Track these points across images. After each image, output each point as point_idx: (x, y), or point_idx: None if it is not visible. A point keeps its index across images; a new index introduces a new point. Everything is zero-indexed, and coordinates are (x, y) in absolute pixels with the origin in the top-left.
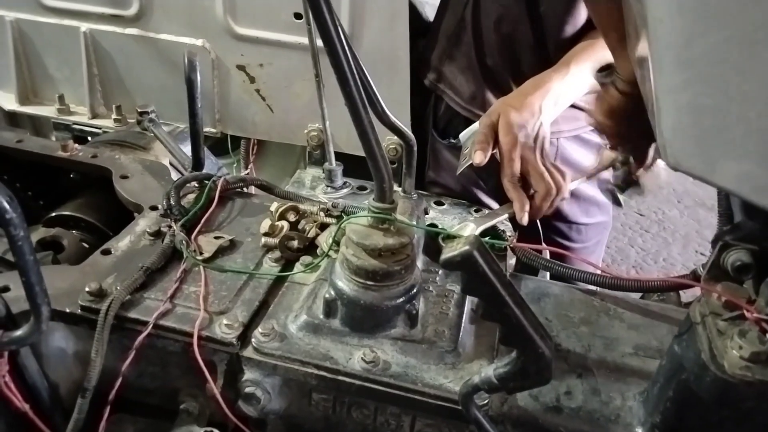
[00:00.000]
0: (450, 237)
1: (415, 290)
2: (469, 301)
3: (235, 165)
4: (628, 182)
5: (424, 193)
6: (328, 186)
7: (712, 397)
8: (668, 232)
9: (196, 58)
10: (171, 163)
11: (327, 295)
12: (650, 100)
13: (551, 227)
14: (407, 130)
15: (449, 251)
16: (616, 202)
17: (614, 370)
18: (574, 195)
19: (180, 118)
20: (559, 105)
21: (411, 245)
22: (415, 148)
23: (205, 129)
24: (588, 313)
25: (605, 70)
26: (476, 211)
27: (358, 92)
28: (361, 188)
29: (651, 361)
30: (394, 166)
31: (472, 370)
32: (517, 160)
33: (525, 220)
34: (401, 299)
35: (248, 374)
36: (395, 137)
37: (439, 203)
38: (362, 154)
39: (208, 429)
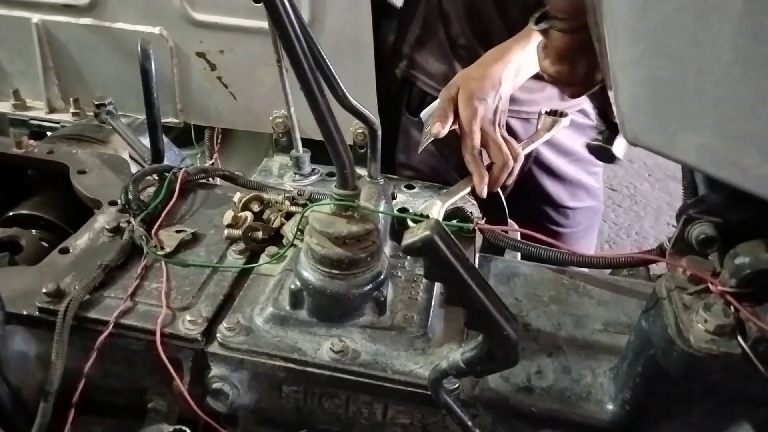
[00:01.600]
0: (414, 221)
1: (382, 277)
2: (438, 286)
3: (199, 156)
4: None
5: (394, 177)
6: (296, 173)
7: (680, 372)
8: (640, 206)
9: (149, 46)
10: (131, 156)
11: (293, 286)
12: (607, 75)
13: (539, 212)
14: (369, 114)
15: (409, 237)
16: (609, 159)
17: (584, 348)
18: (561, 178)
19: (141, 109)
20: (520, 75)
21: (376, 231)
22: (379, 132)
23: (167, 119)
24: (557, 291)
25: (540, 20)
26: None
27: (313, 75)
28: (331, 174)
29: (620, 336)
30: (363, 151)
31: (442, 354)
32: (478, 132)
33: (484, 192)
34: (368, 287)
35: (215, 370)
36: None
37: (410, 186)
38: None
39: (178, 427)
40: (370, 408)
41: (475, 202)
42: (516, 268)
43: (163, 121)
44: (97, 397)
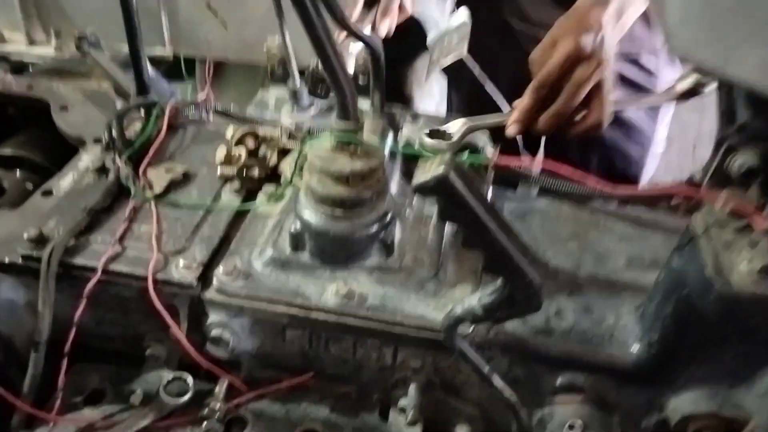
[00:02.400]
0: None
1: (389, 217)
2: (450, 225)
3: (191, 90)
4: None
5: (398, 107)
6: (293, 106)
7: (716, 315)
8: None
9: None
10: (116, 90)
11: (293, 228)
12: None
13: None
14: (373, 37)
15: (421, 174)
16: None
17: (606, 286)
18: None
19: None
20: (624, 17)
21: (381, 168)
22: (383, 58)
23: (155, 52)
24: (577, 227)
25: None
26: None
27: None
28: (332, 107)
29: (645, 273)
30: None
31: (454, 296)
32: (557, 65)
33: (513, 130)
34: (374, 227)
35: (213, 317)
36: None
37: (417, 116)
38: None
39: (178, 373)
40: (378, 351)
41: (486, 131)
42: (532, 203)
43: (150, 53)
44: (93, 344)
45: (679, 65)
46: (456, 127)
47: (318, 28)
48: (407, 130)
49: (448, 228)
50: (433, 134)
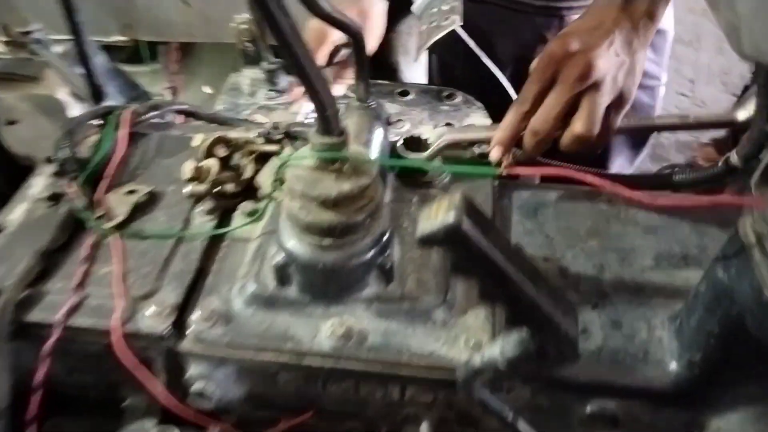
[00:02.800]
0: (422, 170)
1: (386, 238)
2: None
3: (154, 81)
4: None
5: (384, 83)
6: (270, 90)
7: None
8: None
9: None
10: (73, 94)
11: (276, 261)
12: None
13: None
14: (350, 20)
15: (427, 222)
16: None
17: (635, 292)
18: None
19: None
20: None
21: (374, 185)
22: (365, 42)
23: (113, 38)
24: (595, 220)
25: None
26: (448, 97)
27: None
28: None
29: (676, 272)
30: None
31: (467, 324)
32: (542, 74)
33: (495, 154)
34: (370, 253)
35: (193, 369)
36: None
37: (404, 93)
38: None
39: (163, 427)
40: (384, 389)
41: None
42: (543, 195)
43: (107, 40)
44: (68, 393)
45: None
46: (435, 136)
47: (284, 24)
48: (393, 109)
49: None
50: (410, 143)
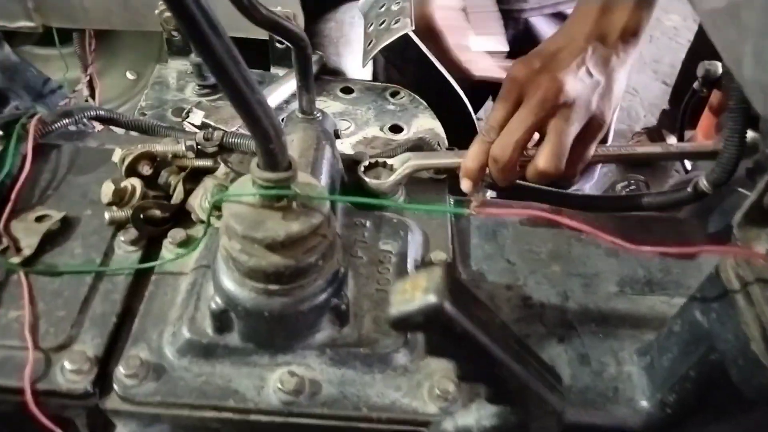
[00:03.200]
0: (377, 207)
1: (339, 277)
2: (412, 258)
3: (68, 72)
4: None
5: (326, 78)
6: (200, 85)
7: (761, 395)
8: None
9: None
10: None
11: (213, 305)
12: (743, 6)
13: None
14: (295, 27)
15: (402, 302)
16: None
17: (600, 322)
18: None
19: None
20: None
21: (327, 220)
22: (310, 50)
23: (19, 23)
24: (556, 242)
25: None
26: (393, 95)
27: None
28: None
29: (641, 299)
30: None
31: (430, 368)
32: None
33: (465, 187)
34: (323, 296)
35: (121, 428)
36: None
37: (347, 90)
38: (242, 34)
39: None
40: None
41: (443, 136)
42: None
43: (12, 25)
44: None
45: None
46: (399, 162)
47: (218, 50)
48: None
49: (411, 263)
50: (371, 168)
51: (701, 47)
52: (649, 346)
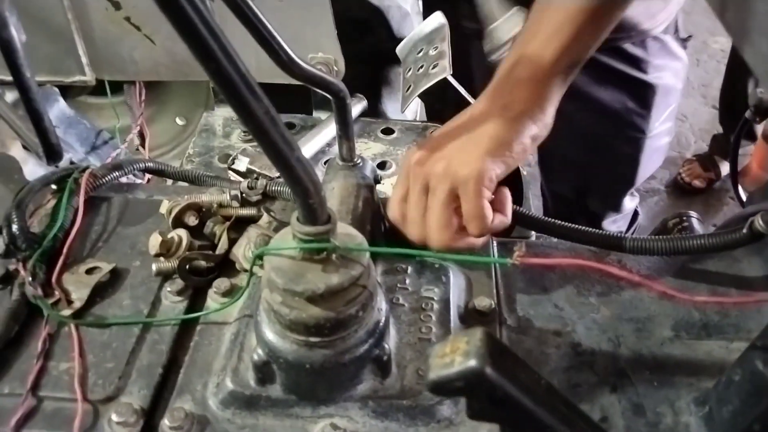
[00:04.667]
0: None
1: (381, 326)
2: (455, 304)
3: (118, 125)
4: None
5: (366, 119)
6: (245, 132)
7: None
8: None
9: (4, 6)
10: (24, 147)
11: (255, 356)
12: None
13: None
14: (333, 79)
15: (440, 366)
16: None
17: (655, 369)
18: None
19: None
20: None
21: (367, 270)
22: (349, 100)
23: (74, 78)
24: (605, 285)
25: None
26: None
27: (223, 50)
28: (289, 125)
29: (697, 344)
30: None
31: (475, 422)
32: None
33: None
34: (364, 347)
35: None
36: None
37: (388, 131)
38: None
39: None
40: None
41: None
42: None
43: (69, 80)
44: None
45: (674, 50)
46: None
47: (260, 115)
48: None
49: (455, 311)
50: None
51: (738, 67)
52: (708, 396)
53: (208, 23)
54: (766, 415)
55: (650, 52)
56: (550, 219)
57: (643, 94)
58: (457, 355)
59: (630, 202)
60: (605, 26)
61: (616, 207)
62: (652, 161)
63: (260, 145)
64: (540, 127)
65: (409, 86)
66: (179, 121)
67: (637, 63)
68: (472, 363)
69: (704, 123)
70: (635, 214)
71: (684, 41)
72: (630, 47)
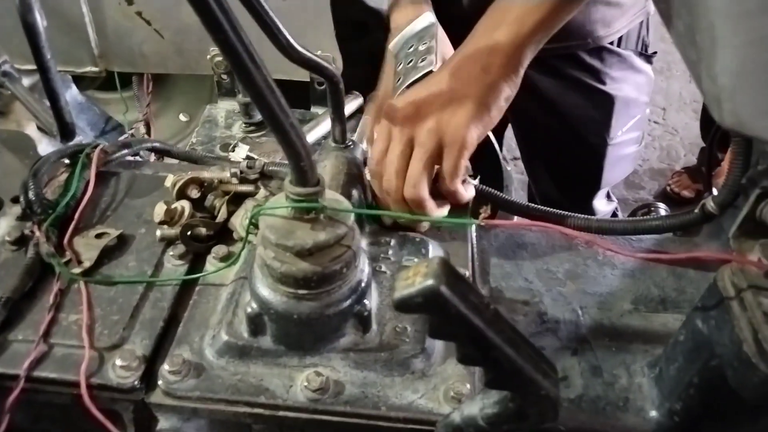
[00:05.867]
0: (403, 225)
1: (363, 285)
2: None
3: (126, 113)
4: None
5: (362, 116)
6: (246, 123)
7: (757, 397)
8: None
9: None
10: (39, 128)
11: (249, 309)
12: (694, 30)
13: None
14: (327, 64)
15: (404, 287)
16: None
17: (614, 337)
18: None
19: (60, 60)
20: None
21: (351, 233)
22: (342, 85)
23: (86, 68)
24: (573, 262)
25: None
26: None
27: (230, 23)
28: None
29: (654, 316)
30: (322, 88)
31: (447, 373)
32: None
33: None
34: (347, 302)
35: (163, 422)
36: None
37: None
38: (284, 76)
39: None
40: None
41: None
42: (522, 236)
43: (79, 70)
44: None
45: (636, 64)
46: None
47: (254, 74)
48: None
49: None
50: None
51: None
52: (659, 358)
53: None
54: (703, 368)
55: (607, 64)
56: (525, 203)
57: (602, 103)
58: (417, 276)
59: (606, 206)
60: (578, 3)
61: (587, 210)
62: (618, 167)
63: (259, 109)
64: (512, 88)
65: (399, 78)
66: (183, 117)
67: (596, 73)
68: (429, 282)
69: (694, 137)
70: (615, 215)
71: (648, 57)
72: (587, 57)
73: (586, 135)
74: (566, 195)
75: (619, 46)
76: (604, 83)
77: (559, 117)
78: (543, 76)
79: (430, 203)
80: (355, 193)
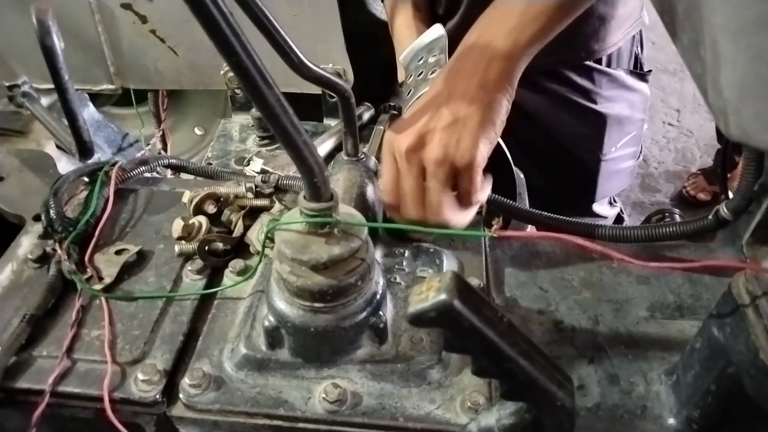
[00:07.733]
0: (413, 239)
1: (378, 297)
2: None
3: (143, 129)
4: None
5: (375, 127)
6: (260, 136)
7: None
8: None
9: (48, 17)
10: (58, 147)
11: (266, 323)
12: (698, 44)
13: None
14: (338, 80)
15: (418, 301)
16: None
17: (630, 344)
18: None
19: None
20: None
21: (365, 246)
22: (353, 99)
23: (102, 86)
24: (588, 270)
25: None
26: None
27: (242, 47)
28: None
29: (670, 323)
30: (333, 100)
31: (463, 384)
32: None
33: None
34: (363, 314)
35: None
36: None
37: None
38: (296, 90)
39: None
40: None
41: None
42: (535, 245)
43: (96, 88)
44: None
45: (628, 83)
46: None
47: (267, 95)
48: None
49: None
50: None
51: None
52: (676, 366)
53: (231, 25)
54: (720, 376)
55: (597, 84)
56: (539, 211)
57: (594, 122)
58: (431, 291)
59: (609, 210)
60: (574, 13)
61: (587, 215)
62: (613, 181)
63: (272, 128)
64: (510, 98)
65: (410, 90)
66: (198, 131)
67: (587, 93)
68: (443, 297)
69: (709, 138)
70: (620, 218)
71: (642, 75)
72: (576, 78)
73: (577, 152)
74: (560, 206)
75: (609, 65)
76: (595, 102)
77: (549, 134)
78: (534, 94)
79: (454, 219)
80: (369, 207)
